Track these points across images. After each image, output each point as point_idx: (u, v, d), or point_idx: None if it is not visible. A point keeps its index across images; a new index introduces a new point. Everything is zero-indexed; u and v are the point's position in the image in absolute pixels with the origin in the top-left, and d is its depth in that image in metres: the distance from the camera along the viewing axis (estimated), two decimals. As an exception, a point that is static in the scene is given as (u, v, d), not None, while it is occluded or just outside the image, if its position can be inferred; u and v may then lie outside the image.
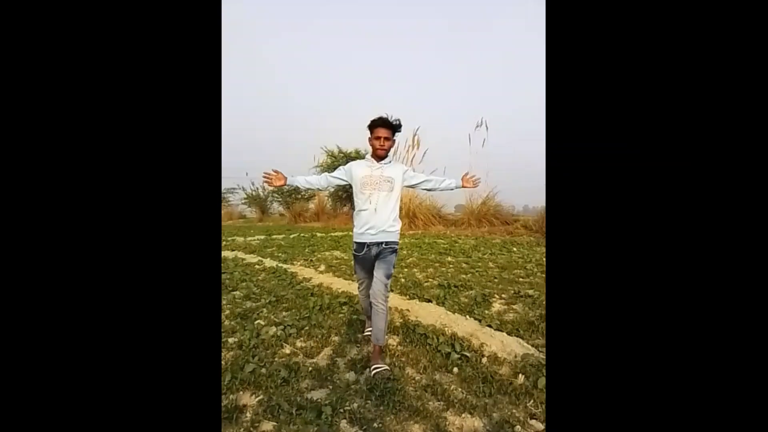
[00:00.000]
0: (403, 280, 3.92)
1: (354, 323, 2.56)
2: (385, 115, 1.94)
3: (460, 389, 1.71)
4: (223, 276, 4.30)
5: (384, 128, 1.94)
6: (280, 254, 6.02)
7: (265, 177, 1.98)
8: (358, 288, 2.24)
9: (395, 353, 2.10)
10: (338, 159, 14.60)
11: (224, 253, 6.22)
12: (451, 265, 4.80)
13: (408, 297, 3.24)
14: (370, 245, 2.00)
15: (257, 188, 17.78)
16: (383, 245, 2.01)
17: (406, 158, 12.13)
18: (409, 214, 11.15)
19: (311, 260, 5.40)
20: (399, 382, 1.74)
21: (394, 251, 2.04)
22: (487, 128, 10.05)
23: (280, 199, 17.15)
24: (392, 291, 3.39)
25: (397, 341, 2.27)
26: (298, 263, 5.23)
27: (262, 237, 9.38)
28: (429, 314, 2.73)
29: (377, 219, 1.97)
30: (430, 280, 3.94)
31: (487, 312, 2.81)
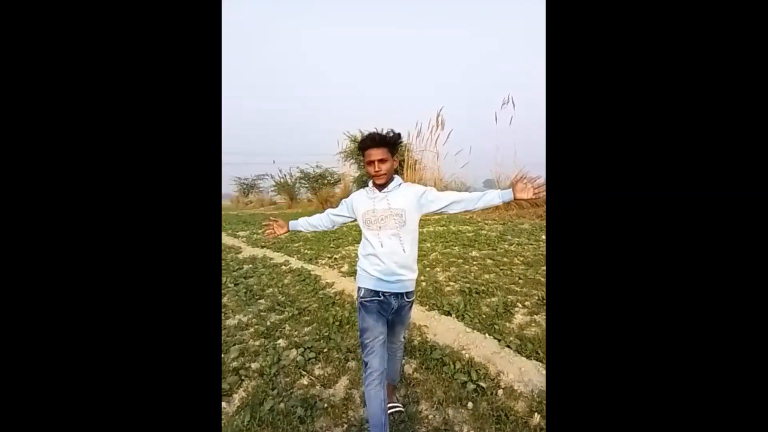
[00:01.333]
0: (423, 283, 3.90)
1: (372, 343, 2.58)
2: (375, 130, 1.53)
3: (472, 431, 1.70)
4: (251, 280, 4.48)
5: (376, 148, 1.51)
6: (305, 251, 6.16)
7: (266, 227, 1.83)
8: (368, 348, 1.53)
9: (411, 382, 2.11)
10: (361, 143, 14.47)
11: (254, 251, 6.45)
12: (475, 262, 4.71)
13: (428, 307, 3.22)
14: (387, 296, 1.57)
15: (285, 175, 18.15)
16: (404, 299, 1.60)
17: (430, 140, 11.81)
18: (434, 198, 10.96)
19: (335, 258, 5.48)
20: (411, 423, 1.75)
21: (412, 305, 1.71)
22: (514, 105, 9.55)
23: (307, 185, 17.44)
24: (412, 300, 3.38)
25: (414, 367, 2.28)
26: (323, 261, 5.33)
27: (290, 228, 9.60)
28: (447, 331, 2.71)
29: (391, 265, 1.54)
30: (452, 283, 3.89)
31: (508, 326, 2.75)
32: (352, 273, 4.59)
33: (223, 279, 4.57)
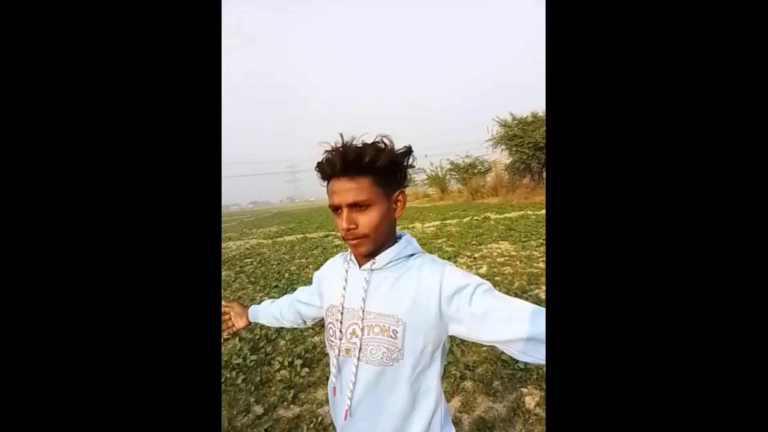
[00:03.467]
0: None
1: (497, 361, 2.40)
2: (350, 140, 0.71)
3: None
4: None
5: (343, 179, 0.70)
6: (447, 248, 6.18)
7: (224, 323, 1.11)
8: None
9: (529, 419, 1.86)
10: (512, 128, 13.36)
11: (400, 247, 6.89)
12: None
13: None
14: None
15: (436, 168, 18.61)
16: None
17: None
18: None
19: (474, 257, 5.30)
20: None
21: None
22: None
23: (457, 176, 17.41)
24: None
25: (536, 400, 2.00)
26: (462, 260, 5.24)
27: (438, 222, 9.82)
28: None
29: None
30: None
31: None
32: (490, 275, 4.35)
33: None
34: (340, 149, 0.70)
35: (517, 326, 0.62)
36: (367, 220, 0.70)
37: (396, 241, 0.77)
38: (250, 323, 1.09)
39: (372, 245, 0.72)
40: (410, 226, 10.14)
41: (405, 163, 0.75)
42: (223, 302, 1.13)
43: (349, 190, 0.69)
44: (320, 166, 0.73)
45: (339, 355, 0.77)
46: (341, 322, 0.77)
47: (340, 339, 0.77)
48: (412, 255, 0.76)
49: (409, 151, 0.74)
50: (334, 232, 10.48)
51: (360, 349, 0.73)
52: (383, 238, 0.74)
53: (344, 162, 0.68)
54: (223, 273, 5.93)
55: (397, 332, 0.70)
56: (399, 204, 0.76)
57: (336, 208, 0.72)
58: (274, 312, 1.06)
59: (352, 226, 0.70)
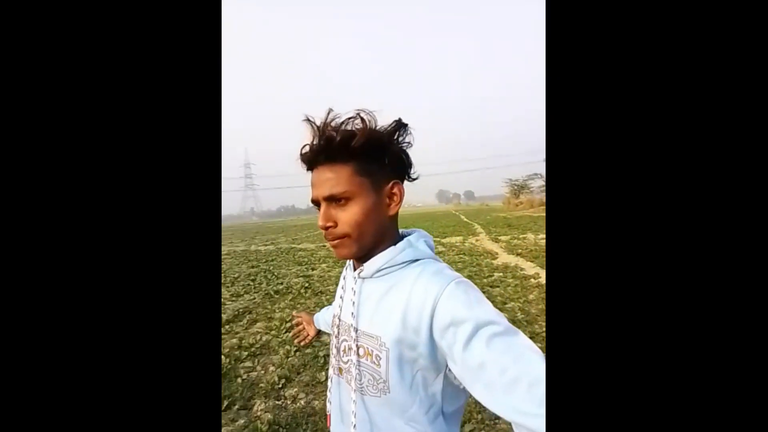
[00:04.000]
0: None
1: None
2: (329, 118, 0.57)
3: None
4: (496, 290, 4.51)
5: (322, 166, 0.58)
6: (563, 263, 5.53)
7: (295, 327, 1.10)
8: None
9: None
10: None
11: (509, 259, 6.44)
12: None
13: None
14: None
15: (555, 173, 16.88)
16: None
17: None
18: None
19: (598, 277, 4.60)
20: None
21: None
22: None
23: (582, 183, 15.48)
24: None
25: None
26: (581, 279, 4.61)
27: (554, 234, 8.85)
28: None
29: None
30: None
31: None
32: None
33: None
34: (322, 129, 0.57)
35: (519, 403, 0.42)
36: (347, 217, 0.57)
37: (388, 244, 0.61)
38: (319, 330, 1.06)
39: (355, 247, 0.59)
40: (521, 236, 9.40)
41: (396, 143, 0.60)
42: (294, 313, 1.17)
43: (326, 180, 0.57)
44: (302, 156, 0.60)
45: (335, 372, 0.68)
46: (337, 337, 0.66)
47: (335, 356, 0.67)
48: (416, 261, 0.59)
49: (398, 126, 0.58)
50: (437, 238, 10.38)
51: (360, 369, 0.60)
52: (371, 239, 0.59)
53: (317, 147, 0.57)
54: (335, 270, 6.47)
55: (380, 358, 0.56)
56: (394, 198, 0.60)
57: (315, 203, 0.60)
58: (326, 318, 0.98)
59: (330, 224, 0.58)
